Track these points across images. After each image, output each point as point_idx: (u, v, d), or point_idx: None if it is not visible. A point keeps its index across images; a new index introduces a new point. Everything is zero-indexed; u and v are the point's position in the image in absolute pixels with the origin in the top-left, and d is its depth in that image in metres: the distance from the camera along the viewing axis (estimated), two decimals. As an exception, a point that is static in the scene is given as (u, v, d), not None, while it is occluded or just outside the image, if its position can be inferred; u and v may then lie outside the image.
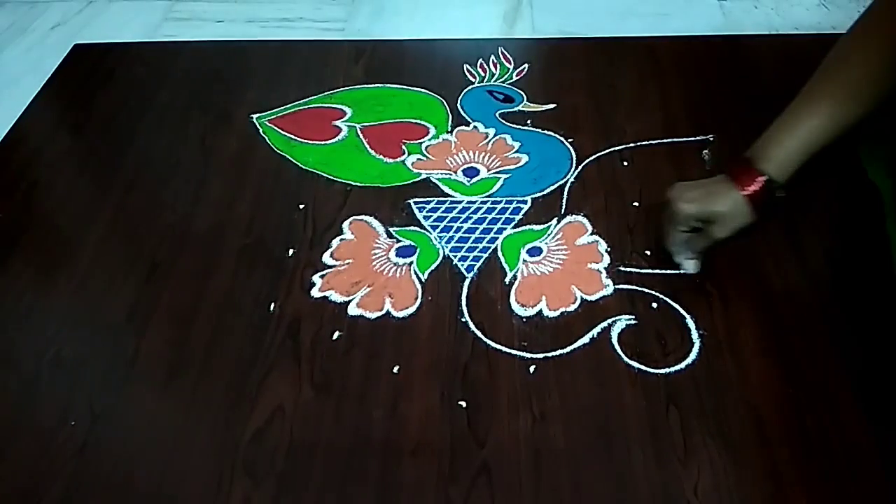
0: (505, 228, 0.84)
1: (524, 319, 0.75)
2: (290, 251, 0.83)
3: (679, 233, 0.73)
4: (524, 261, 0.80)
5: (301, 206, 0.88)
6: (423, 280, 0.79)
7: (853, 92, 0.67)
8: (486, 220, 0.85)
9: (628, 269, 0.79)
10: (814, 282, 0.76)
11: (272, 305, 0.77)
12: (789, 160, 0.69)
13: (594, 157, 0.92)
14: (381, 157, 0.94)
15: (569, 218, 0.85)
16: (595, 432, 0.66)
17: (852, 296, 0.75)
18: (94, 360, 0.74)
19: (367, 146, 0.96)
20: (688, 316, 0.74)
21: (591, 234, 0.83)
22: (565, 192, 0.87)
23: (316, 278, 0.80)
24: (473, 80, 1.05)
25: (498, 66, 1.07)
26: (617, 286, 0.77)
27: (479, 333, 0.74)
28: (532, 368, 0.71)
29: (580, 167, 0.90)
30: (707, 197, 0.71)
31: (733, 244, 0.77)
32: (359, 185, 0.90)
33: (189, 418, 0.69)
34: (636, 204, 0.85)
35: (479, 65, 1.08)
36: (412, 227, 0.85)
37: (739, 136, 0.92)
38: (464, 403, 0.68)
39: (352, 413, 0.68)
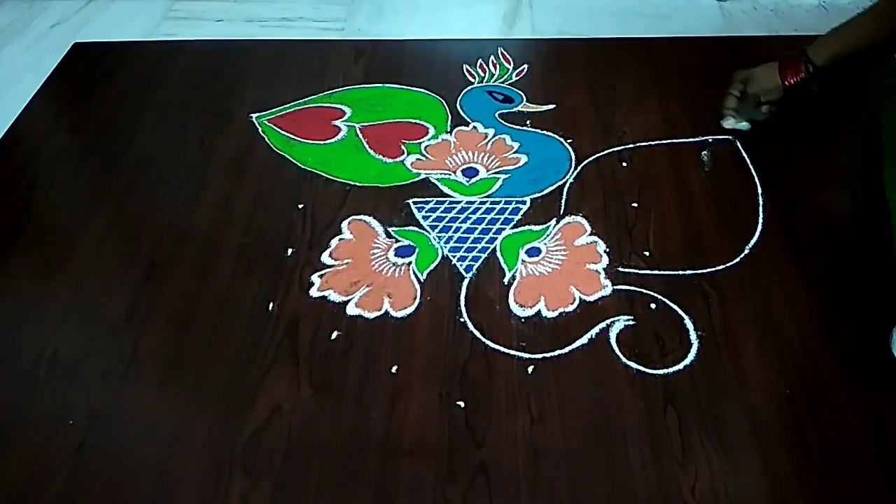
0: (504, 229, 0.84)
1: (523, 320, 0.75)
2: (289, 251, 0.83)
3: (731, 96, 0.92)
4: (523, 261, 0.80)
5: (300, 206, 0.88)
6: (422, 280, 0.79)
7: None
8: (485, 221, 0.85)
9: (627, 270, 0.79)
10: (812, 282, 0.76)
11: (271, 305, 0.77)
12: (831, 55, 0.85)
13: (593, 157, 0.92)
14: (381, 156, 0.94)
15: (568, 218, 0.85)
16: (593, 432, 0.66)
17: (851, 296, 0.75)
18: (93, 359, 0.74)
19: (367, 146, 0.96)
20: (686, 317, 0.74)
21: (590, 234, 0.83)
22: (564, 193, 0.87)
23: (315, 278, 0.80)
24: (473, 80, 1.05)
25: (497, 66, 1.07)
26: (615, 287, 0.77)
27: (477, 333, 0.74)
28: (530, 369, 0.71)
29: (579, 168, 0.90)
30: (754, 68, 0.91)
31: (732, 246, 0.77)
32: (358, 184, 0.90)
33: (187, 417, 0.69)
34: (635, 204, 0.85)
35: (478, 65, 1.08)
36: (411, 227, 0.85)
37: (739, 137, 0.93)
38: (462, 403, 0.68)
39: (350, 413, 0.68)
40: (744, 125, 0.92)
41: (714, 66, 1.04)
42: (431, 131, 0.97)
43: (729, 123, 0.93)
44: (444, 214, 0.86)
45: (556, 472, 0.63)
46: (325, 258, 0.82)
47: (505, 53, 1.09)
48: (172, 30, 1.20)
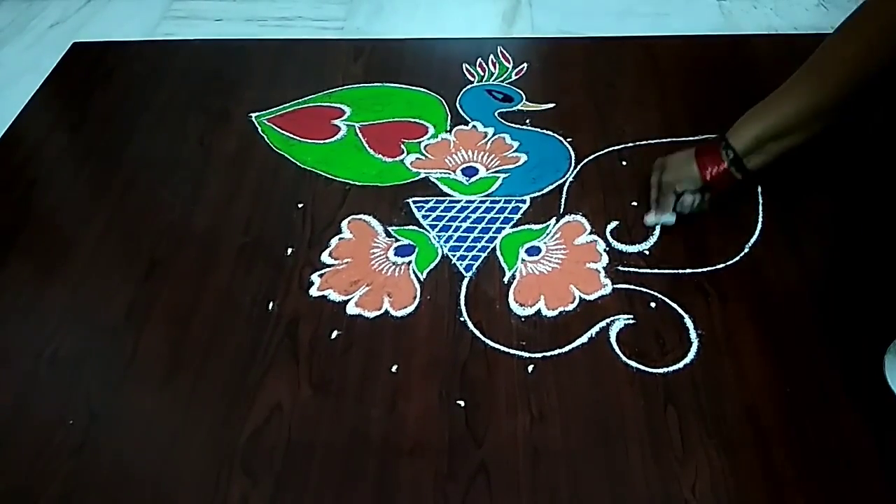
0: (504, 228, 0.84)
1: (523, 319, 0.75)
2: (289, 250, 0.83)
3: (652, 187, 0.82)
4: (523, 260, 0.80)
5: (300, 205, 0.88)
6: (422, 279, 0.79)
7: (823, 79, 0.69)
8: (485, 220, 0.85)
9: (627, 269, 0.79)
10: (812, 282, 0.76)
11: (271, 304, 0.77)
12: (753, 135, 0.72)
13: (593, 156, 0.92)
14: (380, 156, 0.94)
15: (567, 217, 0.85)
16: (593, 432, 0.66)
17: (851, 296, 0.75)
18: (92, 359, 0.74)
19: (366, 145, 0.96)
20: (686, 316, 0.74)
21: (590, 233, 0.83)
22: (564, 192, 0.87)
23: (314, 277, 0.80)
24: (472, 79, 1.05)
25: (497, 65, 1.07)
26: (615, 286, 0.77)
27: (477, 333, 0.74)
28: (530, 368, 0.71)
29: (579, 167, 0.90)
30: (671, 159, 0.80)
31: (733, 246, 0.77)
32: (357, 184, 0.90)
33: (187, 417, 0.69)
34: (635, 203, 0.85)
35: (478, 64, 1.08)
36: (411, 227, 0.85)
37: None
38: (462, 403, 0.68)
39: (350, 412, 0.68)
40: (667, 219, 0.80)
41: (714, 64, 1.05)
42: (431, 130, 0.97)
43: (649, 219, 0.82)
44: (443, 213, 0.86)
45: (556, 471, 0.63)
46: (324, 257, 0.82)
47: (504, 52, 1.09)
48: (171, 29, 1.20)
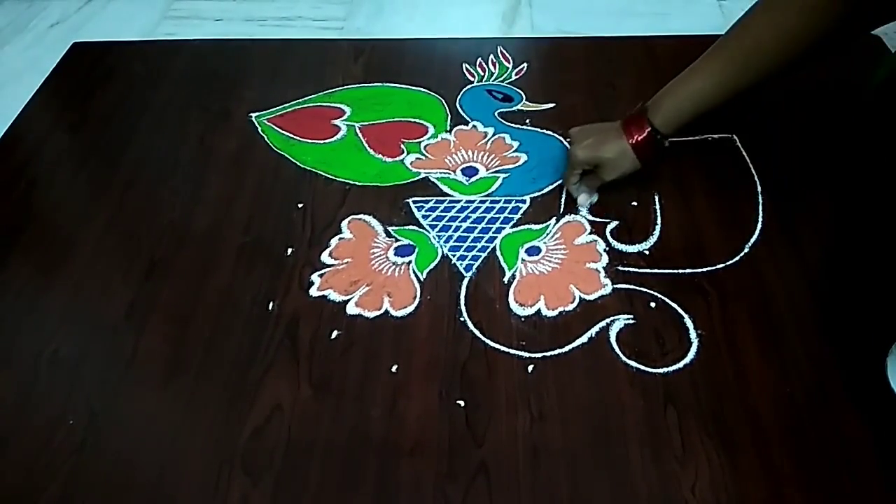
0: (503, 228, 0.84)
1: (523, 319, 0.75)
2: (289, 250, 0.83)
3: (574, 174, 0.81)
4: (523, 260, 0.80)
5: (300, 205, 0.88)
6: (422, 279, 0.79)
7: (743, 61, 0.70)
8: (485, 220, 0.85)
9: (627, 269, 0.79)
10: (812, 282, 0.76)
11: (271, 304, 0.77)
12: (677, 115, 0.74)
13: (593, 156, 0.91)
14: (380, 156, 0.94)
15: (567, 217, 0.85)
16: (593, 432, 0.66)
17: (851, 296, 0.75)
18: (93, 359, 0.74)
19: (366, 145, 0.96)
20: (686, 315, 0.74)
21: (590, 233, 0.83)
22: (564, 192, 0.87)
23: (315, 277, 0.80)
24: (472, 79, 1.05)
25: (497, 65, 1.07)
26: (615, 285, 0.77)
27: (477, 333, 0.74)
28: (530, 368, 0.71)
29: (579, 166, 0.90)
30: (598, 144, 0.78)
31: (733, 246, 0.77)
32: (357, 184, 0.90)
33: (187, 417, 0.69)
34: (635, 203, 0.85)
35: (478, 64, 1.08)
36: (411, 227, 0.85)
37: (738, 135, 0.93)
38: (462, 403, 0.68)
39: (350, 412, 0.68)
40: (592, 198, 0.84)
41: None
42: (431, 130, 0.97)
43: (585, 202, 0.84)
44: (443, 213, 0.86)
45: (556, 471, 0.63)
46: (324, 257, 0.82)
47: (504, 52, 1.09)
48: (172, 29, 1.20)
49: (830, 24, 0.65)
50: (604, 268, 0.79)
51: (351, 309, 0.76)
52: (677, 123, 0.75)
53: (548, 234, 0.83)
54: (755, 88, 0.72)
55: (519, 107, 1.00)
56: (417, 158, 0.94)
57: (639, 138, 0.76)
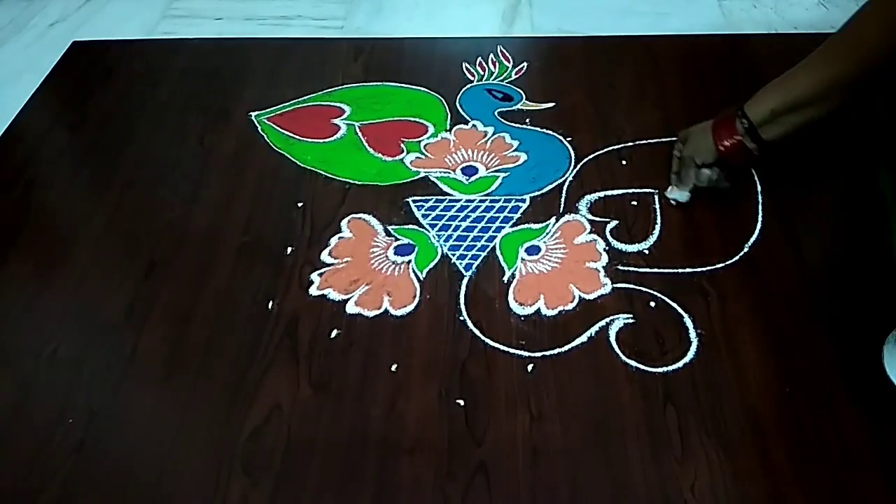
0: (503, 227, 0.84)
1: (522, 318, 0.75)
2: (289, 249, 0.83)
3: (674, 158, 0.83)
4: (522, 259, 0.80)
5: (299, 205, 0.88)
6: (422, 278, 0.79)
7: (844, 51, 0.68)
8: (485, 219, 0.85)
9: (626, 268, 0.79)
10: (812, 282, 0.76)
11: (270, 303, 0.77)
12: (770, 106, 0.72)
13: (593, 155, 0.92)
14: (380, 155, 0.94)
15: (567, 216, 0.85)
16: (593, 431, 0.66)
17: (851, 296, 0.75)
18: (92, 358, 0.74)
19: (366, 144, 0.96)
20: (686, 315, 0.74)
21: (590, 232, 0.83)
22: (564, 191, 0.87)
23: (314, 276, 0.80)
24: (472, 78, 1.05)
25: (497, 64, 1.07)
26: (615, 285, 0.77)
27: (477, 332, 0.74)
28: (530, 367, 0.71)
29: (579, 166, 0.90)
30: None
31: (732, 245, 0.77)
32: (357, 183, 0.90)
33: (187, 416, 0.69)
34: (635, 203, 0.85)
35: (477, 63, 1.07)
36: (411, 226, 0.85)
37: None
38: (462, 402, 0.68)
39: (350, 411, 0.68)
40: (683, 195, 0.82)
41: (714, 63, 1.05)
42: (431, 129, 0.97)
43: (670, 193, 0.84)
44: (443, 213, 0.86)
45: (556, 471, 0.63)
46: (324, 256, 0.82)
47: (504, 51, 1.09)
48: (171, 28, 1.20)
49: None
50: (603, 267, 0.79)
51: (350, 308, 0.76)
52: (767, 112, 0.72)
53: (547, 234, 0.83)
54: (854, 85, 0.68)
55: (519, 106, 1.00)
56: (417, 157, 0.93)
57: (728, 142, 0.75)
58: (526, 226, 0.84)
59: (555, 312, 0.75)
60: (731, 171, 0.79)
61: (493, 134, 0.96)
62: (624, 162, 0.91)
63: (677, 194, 0.83)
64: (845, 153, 0.89)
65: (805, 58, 0.70)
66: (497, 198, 0.87)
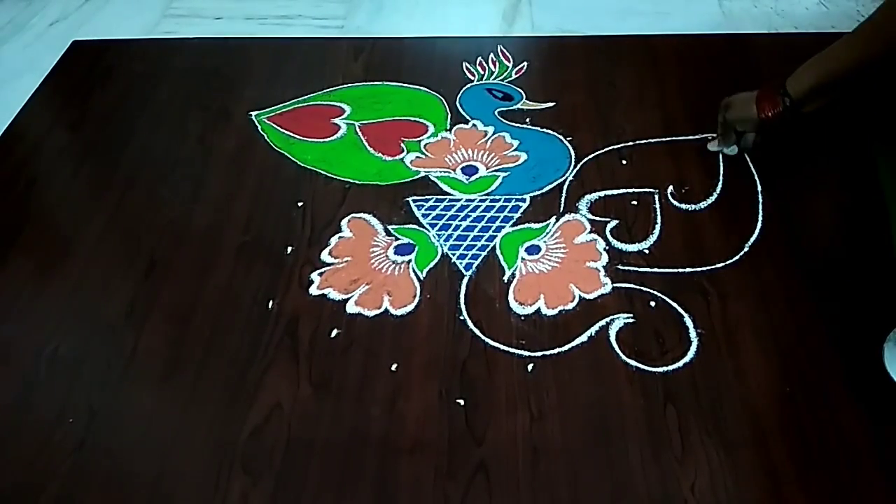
0: (503, 227, 0.84)
1: (522, 317, 0.75)
2: (289, 249, 0.83)
3: (719, 122, 0.87)
4: (522, 259, 0.80)
5: (300, 204, 0.88)
6: (422, 278, 0.79)
7: (873, 30, 0.72)
8: (485, 219, 0.85)
9: (627, 268, 0.79)
10: (812, 282, 0.76)
11: (270, 303, 0.77)
12: (809, 84, 0.76)
13: (593, 155, 0.92)
14: (380, 154, 0.94)
15: (567, 216, 0.85)
16: (593, 430, 0.66)
17: (851, 295, 0.75)
18: (93, 358, 0.74)
19: (366, 144, 0.96)
20: (686, 315, 0.74)
21: (590, 232, 0.83)
22: (564, 191, 0.87)
23: (314, 276, 0.80)
24: (472, 78, 1.05)
25: (497, 64, 1.07)
26: (615, 285, 0.77)
27: (477, 331, 0.74)
28: (530, 367, 0.71)
29: (579, 165, 0.90)
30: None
31: (732, 245, 0.77)
32: (357, 182, 0.90)
33: (187, 415, 0.69)
34: (635, 203, 0.85)
35: (478, 63, 1.07)
36: (411, 225, 0.85)
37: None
38: (462, 401, 0.68)
39: (350, 411, 0.68)
40: (733, 150, 0.89)
41: (714, 63, 1.05)
42: (431, 129, 0.97)
43: (712, 146, 0.90)
44: (443, 212, 0.86)
45: (556, 470, 0.63)
46: (324, 256, 0.82)
47: (504, 51, 1.09)
48: (172, 27, 1.20)
49: None
50: (604, 267, 0.79)
51: (351, 308, 0.76)
52: (806, 88, 0.76)
53: (548, 233, 0.83)
54: (886, 60, 0.71)
55: (519, 105, 1.00)
56: (417, 157, 0.93)
57: (772, 111, 0.79)
58: (526, 225, 0.84)
59: (555, 312, 0.75)
60: (769, 132, 0.83)
61: (494, 133, 0.96)
62: (624, 161, 0.90)
63: (718, 146, 0.89)
64: (845, 153, 0.89)
65: (846, 35, 0.73)
66: (497, 197, 0.87)
